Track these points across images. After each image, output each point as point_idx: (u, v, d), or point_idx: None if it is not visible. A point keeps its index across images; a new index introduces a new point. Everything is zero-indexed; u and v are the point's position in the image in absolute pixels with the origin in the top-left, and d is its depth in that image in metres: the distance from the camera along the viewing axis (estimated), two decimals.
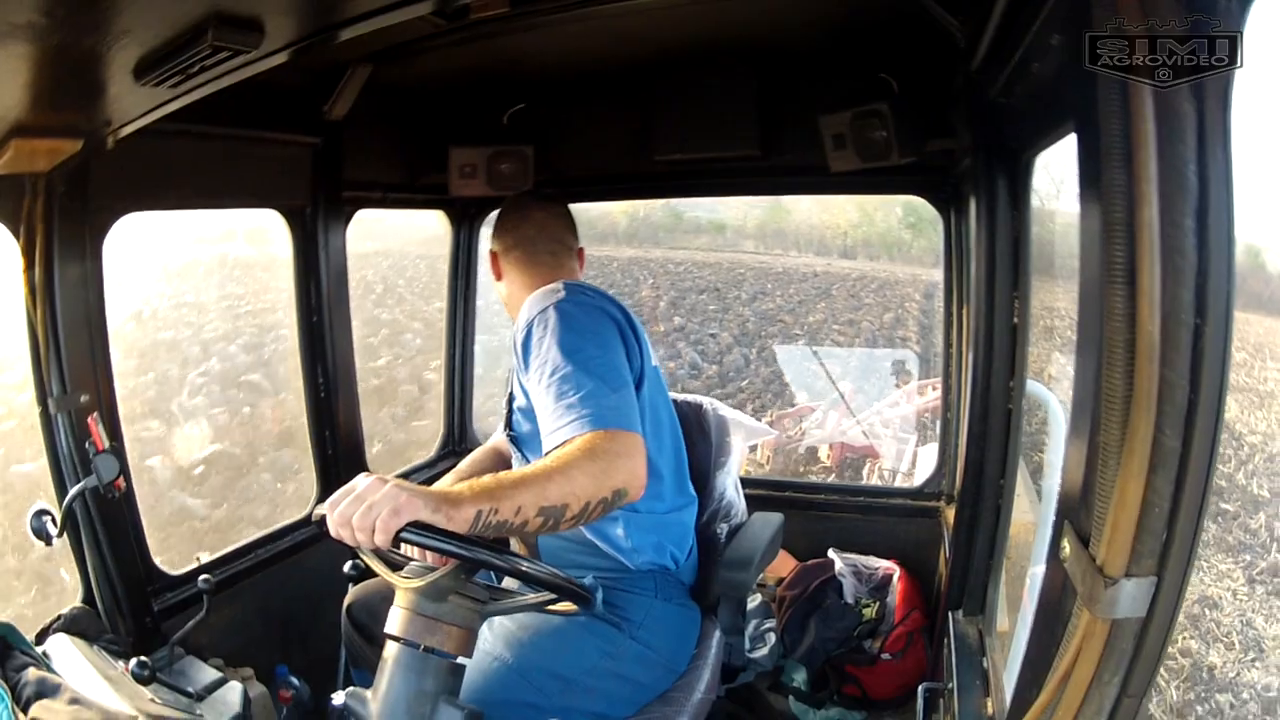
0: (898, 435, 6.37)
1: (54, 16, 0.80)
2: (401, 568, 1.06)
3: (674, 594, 1.39)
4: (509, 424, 1.45)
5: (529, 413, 1.31)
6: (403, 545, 1.13)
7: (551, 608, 1.09)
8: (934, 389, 6.38)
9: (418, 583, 1.02)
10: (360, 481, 0.96)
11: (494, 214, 1.58)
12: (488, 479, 1.01)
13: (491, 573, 1.27)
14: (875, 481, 5.97)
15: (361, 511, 0.93)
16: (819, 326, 13.79)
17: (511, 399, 1.43)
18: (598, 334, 1.25)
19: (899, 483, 5.42)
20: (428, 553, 1.17)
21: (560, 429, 1.12)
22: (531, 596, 1.07)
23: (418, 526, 0.93)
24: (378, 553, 1.07)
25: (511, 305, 1.49)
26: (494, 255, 1.53)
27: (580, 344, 1.20)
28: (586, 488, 1.03)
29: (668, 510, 1.40)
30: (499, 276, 1.52)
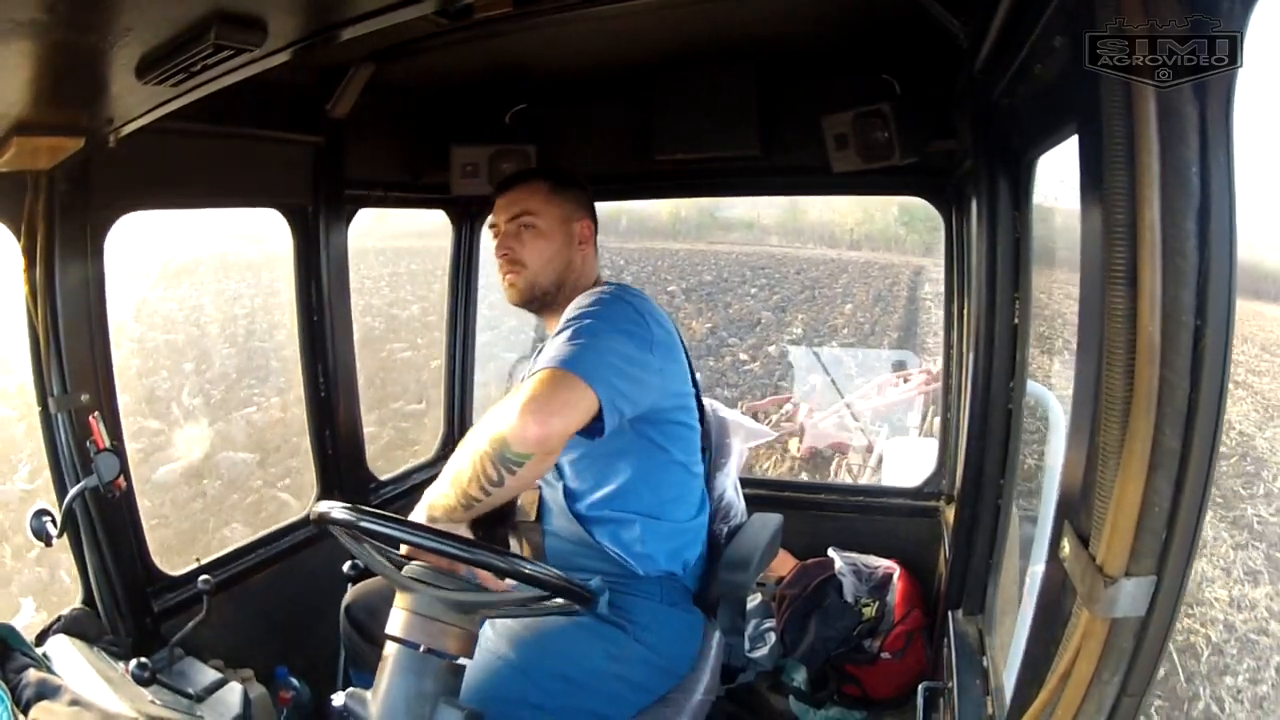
0: (866, 429, 6.23)
1: (56, 14, 0.80)
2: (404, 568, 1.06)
3: (679, 599, 1.39)
4: None
5: None
6: (401, 546, 1.13)
7: (533, 598, 1.08)
8: (905, 380, 6.30)
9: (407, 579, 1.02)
10: None
11: (572, 189, 1.49)
12: None
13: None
14: (844, 477, 5.87)
15: None
16: (847, 286, 20.15)
17: None
18: (628, 331, 1.26)
19: (867, 479, 5.32)
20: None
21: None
22: (508, 583, 1.06)
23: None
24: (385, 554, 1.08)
25: (552, 274, 1.43)
26: (589, 224, 1.48)
27: (602, 328, 1.23)
28: (477, 443, 1.08)
29: (690, 517, 1.42)
30: (584, 242, 1.46)
